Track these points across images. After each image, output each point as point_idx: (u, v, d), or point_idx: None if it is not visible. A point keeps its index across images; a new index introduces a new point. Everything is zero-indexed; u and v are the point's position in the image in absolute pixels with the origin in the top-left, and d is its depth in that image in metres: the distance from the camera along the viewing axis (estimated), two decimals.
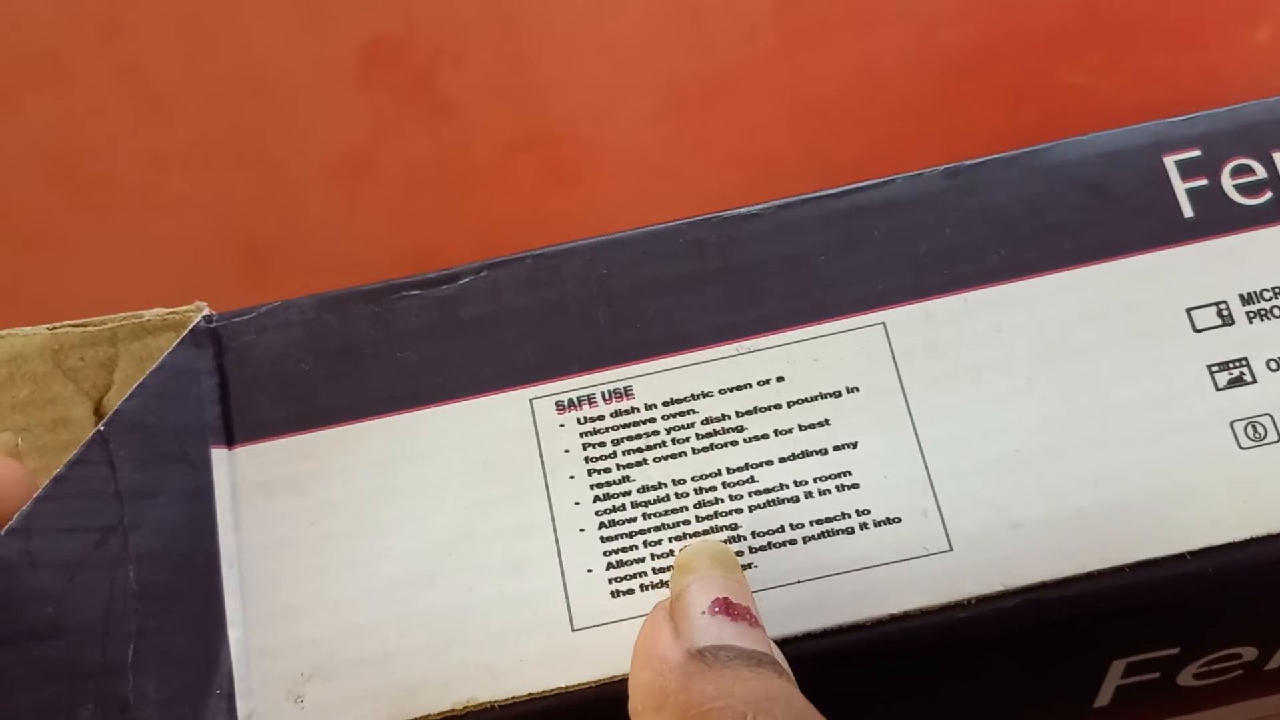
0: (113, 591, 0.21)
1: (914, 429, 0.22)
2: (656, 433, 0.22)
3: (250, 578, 0.22)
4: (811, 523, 0.21)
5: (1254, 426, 0.21)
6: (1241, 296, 0.22)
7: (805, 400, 0.22)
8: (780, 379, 0.22)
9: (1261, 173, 0.23)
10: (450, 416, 0.23)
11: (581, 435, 0.22)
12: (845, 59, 0.37)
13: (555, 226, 0.35)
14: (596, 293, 0.23)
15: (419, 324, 0.23)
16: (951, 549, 0.21)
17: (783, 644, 0.21)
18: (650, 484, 0.22)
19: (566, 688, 0.21)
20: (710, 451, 0.22)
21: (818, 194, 0.23)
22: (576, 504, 0.22)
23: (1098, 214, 0.23)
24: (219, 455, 0.22)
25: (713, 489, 0.22)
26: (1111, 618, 0.21)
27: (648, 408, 0.22)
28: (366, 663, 0.21)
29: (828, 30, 0.37)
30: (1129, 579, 0.21)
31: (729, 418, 0.22)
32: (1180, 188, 0.23)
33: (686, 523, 0.22)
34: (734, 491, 0.22)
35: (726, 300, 0.23)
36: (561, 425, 0.22)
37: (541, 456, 0.22)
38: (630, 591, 0.21)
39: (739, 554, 0.21)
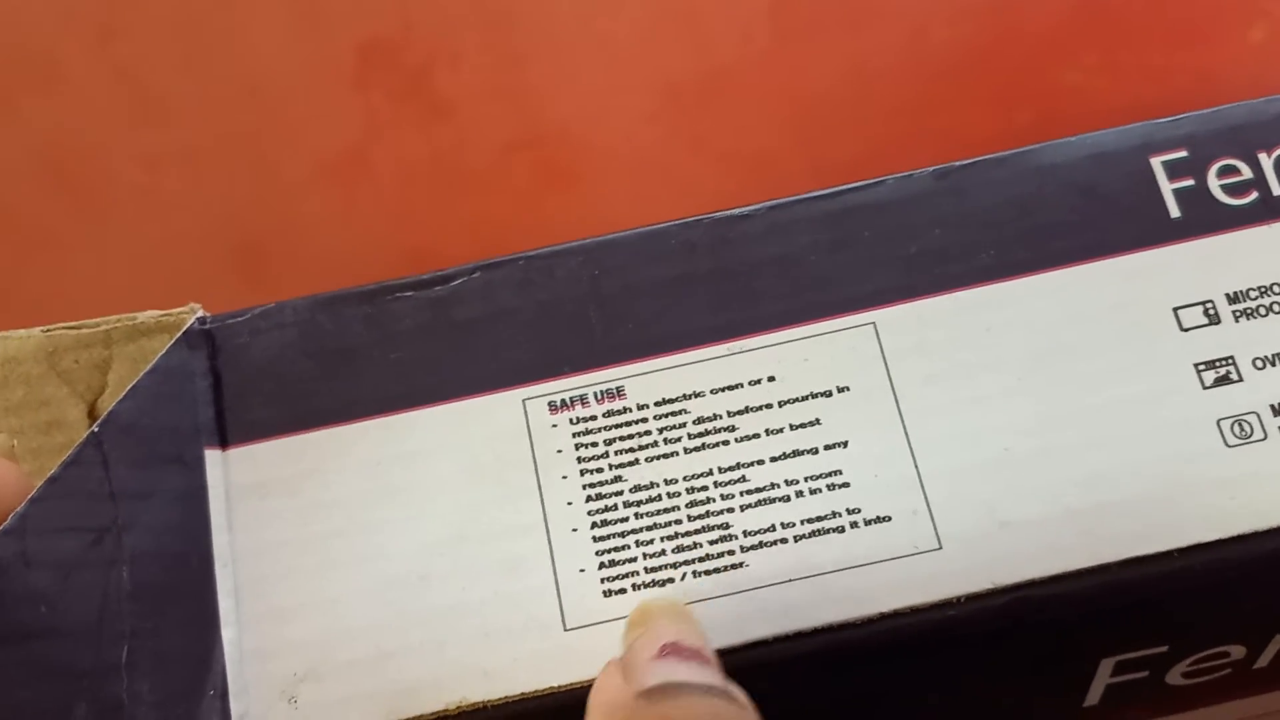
0: (107, 592, 0.21)
1: (904, 428, 0.22)
2: (648, 433, 0.22)
3: (244, 578, 0.22)
4: (802, 522, 0.22)
5: (1240, 425, 0.21)
6: (1228, 295, 0.22)
7: (796, 400, 0.22)
8: (771, 379, 0.22)
9: (1247, 173, 0.23)
10: (443, 417, 0.23)
11: (574, 435, 0.22)
12: (840, 59, 0.37)
13: (551, 226, 0.36)
14: (589, 293, 0.23)
15: (412, 325, 0.23)
16: (941, 548, 0.21)
17: (773, 643, 0.21)
18: (642, 484, 0.22)
19: (559, 687, 0.21)
20: (702, 451, 0.22)
21: (808, 195, 0.23)
22: (569, 504, 0.22)
23: (1086, 214, 0.23)
24: (213, 456, 0.22)
25: (704, 488, 0.22)
26: (1100, 616, 0.21)
27: (640, 408, 0.22)
28: (360, 663, 0.21)
29: (822, 30, 0.37)
30: (1117, 577, 0.21)
31: (720, 417, 0.22)
32: (1167, 188, 0.23)
33: (678, 522, 0.22)
34: (725, 491, 0.22)
35: (718, 301, 0.23)
36: (554, 426, 0.22)
37: (534, 457, 0.22)
38: (623, 591, 0.21)
39: (730, 553, 0.22)
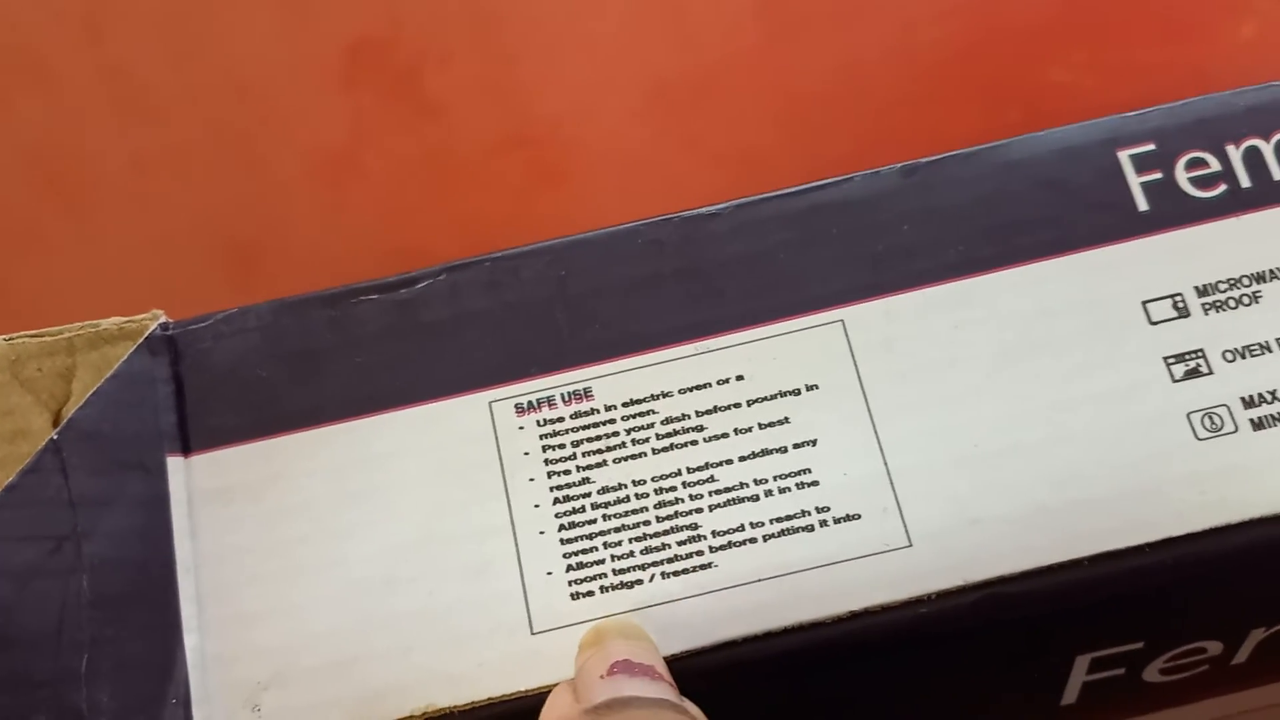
0: (66, 600, 0.20)
1: (873, 426, 0.22)
2: (616, 434, 0.22)
3: (207, 585, 0.22)
4: (772, 521, 0.21)
5: (1211, 418, 0.21)
6: (1197, 289, 0.22)
7: (765, 399, 0.22)
8: (740, 378, 0.22)
9: (1216, 165, 0.23)
10: (409, 420, 0.22)
11: (541, 437, 0.22)
12: (829, 55, 0.37)
13: (541, 225, 0.35)
14: (555, 294, 0.23)
15: (377, 328, 0.23)
16: (911, 545, 0.21)
17: (743, 643, 0.21)
18: (610, 485, 0.22)
19: (526, 691, 0.21)
20: (670, 451, 0.22)
21: (776, 193, 0.23)
22: (536, 506, 0.22)
23: (1054, 209, 0.23)
24: (175, 463, 0.22)
25: (673, 489, 0.22)
26: (1072, 612, 0.21)
27: (607, 409, 0.22)
28: (325, 669, 0.21)
29: (810, 27, 0.37)
30: (1089, 572, 0.21)
31: (689, 417, 0.22)
32: (1135, 181, 0.23)
33: (647, 523, 0.22)
34: (694, 491, 0.22)
35: (686, 300, 0.23)
36: (521, 428, 0.22)
37: (501, 459, 0.22)
38: (590, 594, 0.21)
39: (699, 553, 0.21)
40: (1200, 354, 0.22)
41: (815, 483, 0.22)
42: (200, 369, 0.23)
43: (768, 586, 0.21)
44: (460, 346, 0.23)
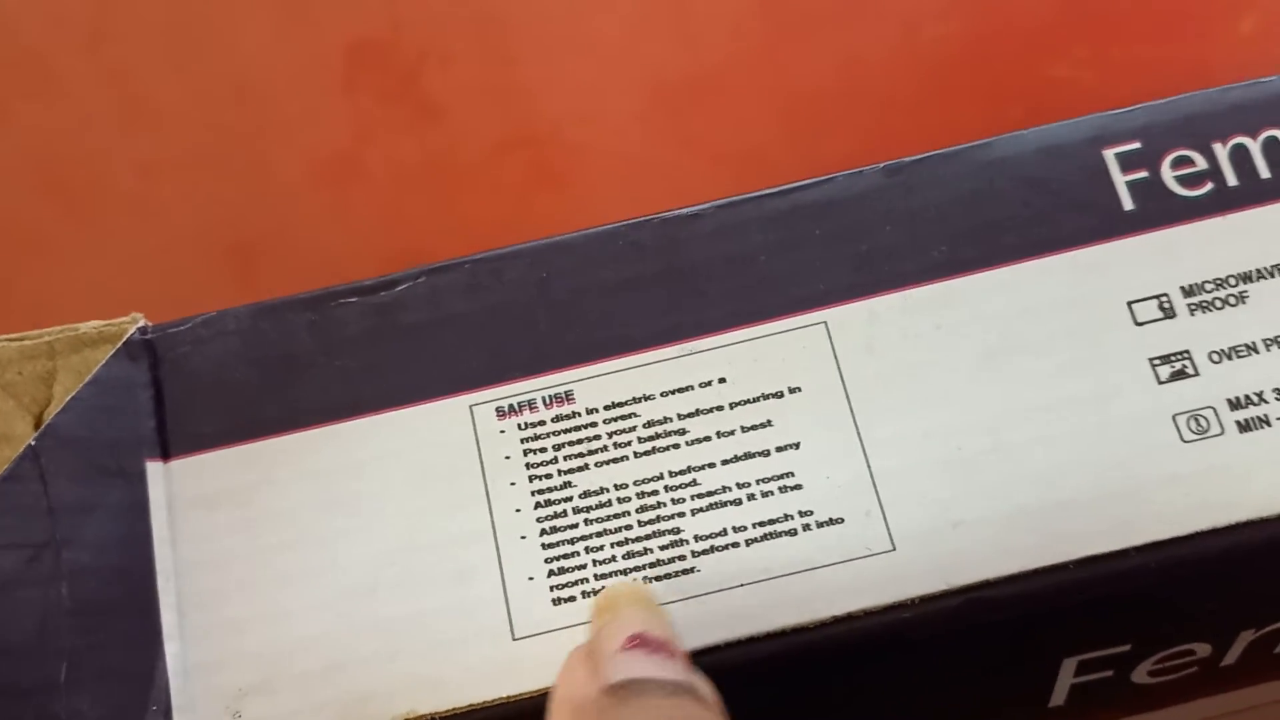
0: (46, 608, 0.20)
1: (856, 429, 0.22)
2: (598, 437, 0.22)
3: (188, 591, 0.22)
4: (754, 525, 0.21)
5: (1196, 420, 0.21)
6: (1183, 289, 0.22)
7: (747, 401, 0.22)
8: (722, 380, 0.22)
9: (1202, 164, 0.22)
10: (390, 425, 0.22)
11: (522, 441, 0.22)
12: (831, 54, 0.37)
13: (543, 226, 0.35)
14: (536, 296, 0.23)
15: (357, 331, 0.23)
16: (895, 549, 0.21)
17: (726, 648, 0.21)
18: (592, 489, 0.22)
19: (508, 698, 0.21)
20: (652, 455, 0.22)
21: (758, 194, 0.23)
22: (517, 511, 0.22)
23: (1039, 209, 0.22)
24: (154, 469, 0.22)
25: (655, 493, 0.22)
26: (1057, 615, 0.21)
27: (589, 412, 0.22)
28: (307, 676, 0.21)
29: (812, 26, 0.37)
30: (1073, 576, 0.20)
31: (671, 420, 0.22)
32: (1120, 180, 0.22)
33: (629, 528, 0.21)
34: (676, 495, 0.22)
35: (668, 302, 0.23)
36: (502, 432, 0.22)
37: (482, 464, 0.22)
38: (572, 599, 0.21)
39: (681, 557, 0.21)
40: (1186, 355, 0.21)
41: (798, 486, 0.21)
42: (179, 373, 0.23)
43: (750, 591, 0.21)
44: (441, 349, 0.23)
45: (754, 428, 0.22)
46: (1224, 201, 0.22)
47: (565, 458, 0.22)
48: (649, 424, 0.22)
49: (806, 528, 0.21)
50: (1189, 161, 0.22)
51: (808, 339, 0.22)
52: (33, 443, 0.21)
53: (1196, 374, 0.21)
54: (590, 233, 0.23)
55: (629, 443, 0.22)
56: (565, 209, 0.36)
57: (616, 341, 0.22)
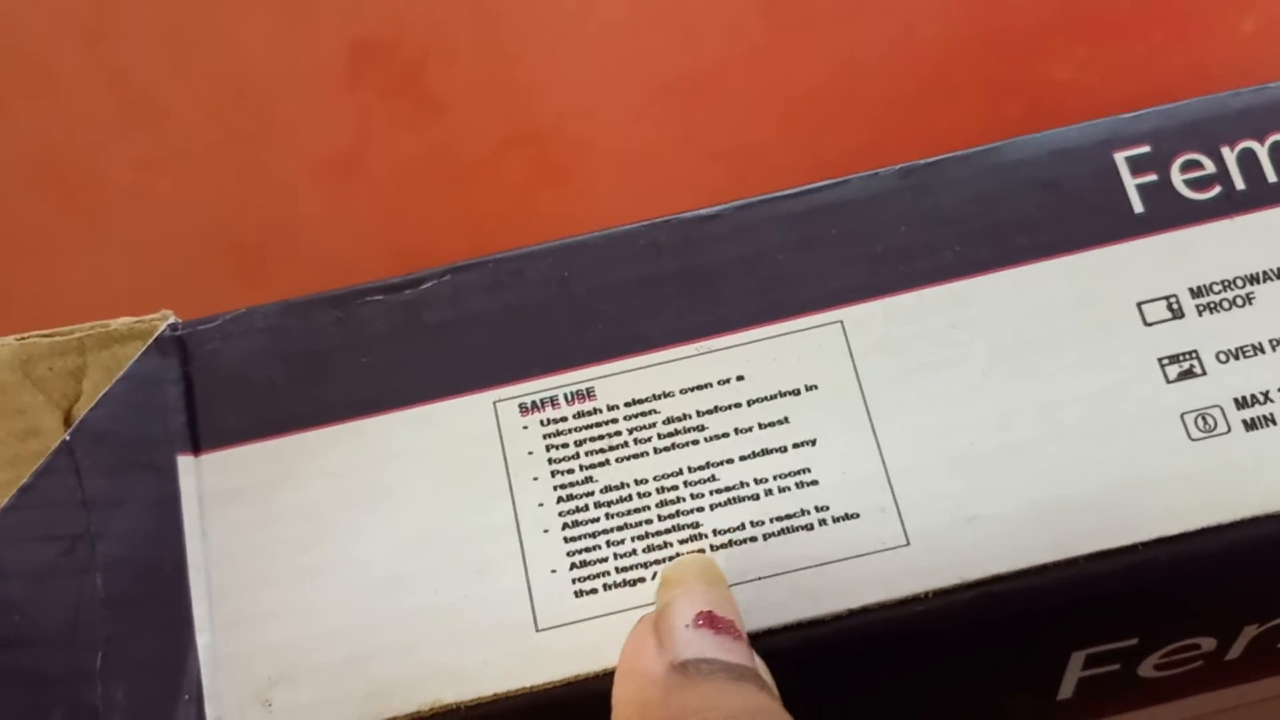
0: (80, 599, 0.21)
1: (871, 426, 0.22)
2: (619, 433, 0.22)
3: (217, 583, 0.22)
4: (771, 520, 0.22)
5: (1204, 418, 0.22)
6: (1191, 290, 0.22)
7: (765, 399, 0.22)
8: (740, 378, 0.23)
9: (1210, 167, 0.23)
10: (415, 420, 0.23)
11: (545, 437, 0.23)
12: (831, 53, 0.37)
13: (545, 224, 0.36)
14: (558, 295, 0.23)
15: (383, 329, 0.23)
16: (909, 544, 0.21)
17: None
18: (613, 484, 0.22)
19: (531, 688, 0.21)
20: (672, 451, 0.22)
21: (775, 195, 0.24)
22: (540, 505, 0.22)
23: (1051, 210, 0.23)
24: (185, 463, 0.22)
25: (674, 488, 0.22)
26: (1067, 610, 0.21)
27: (610, 408, 0.23)
28: (333, 666, 0.21)
29: (813, 25, 0.37)
30: (1083, 570, 0.21)
31: (690, 417, 0.22)
32: (1130, 183, 0.23)
33: (649, 522, 0.22)
34: (695, 490, 0.22)
35: (686, 301, 0.23)
36: (525, 427, 0.23)
37: (505, 459, 0.22)
38: (594, 591, 0.22)
39: (700, 551, 0.22)
40: (1194, 355, 0.22)
41: (814, 482, 0.22)
42: (209, 369, 0.23)
43: (767, 584, 0.21)
44: (465, 347, 0.23)
45: (771, 425, 0.22)
46: (1232, 204, 0.23)
47: (587, 453, 0.22)
48: (669, 420, 0.22)
49: (822, 523, 0.22)
50: (1198, 165, 0.23)
51: (824, 338, 0.23)
52: (67, 438, 0.21)
53: (1204, 373, 0.22)
54: (610, 233, 0.24)
55: (649, 439, 0.22)
56: (568, 206, 0.36)
57: (636, 340, 0.23)
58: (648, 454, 0.22)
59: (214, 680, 0.21)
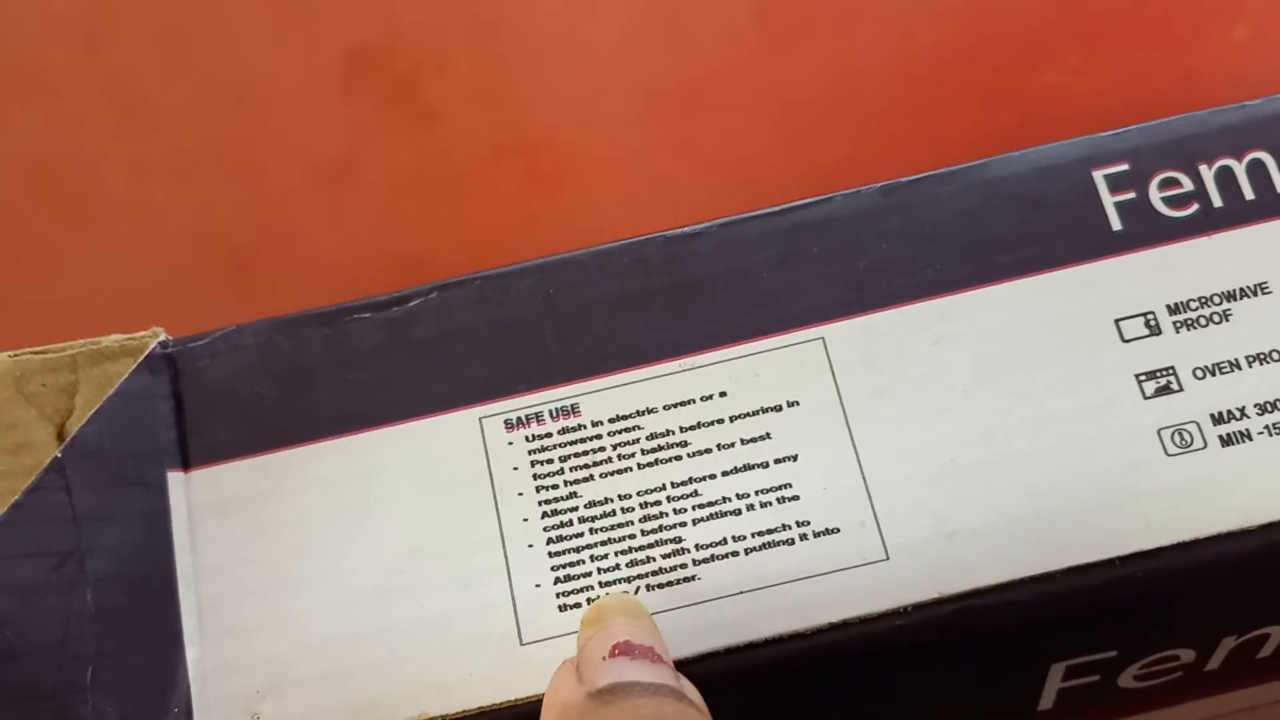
0: (70, 614, 0.21)
1: (852, 441, 0.22)
2: (603, 449, 0.23)
3: (207, 597, 0.22)
4: (753, 534, 0.22)
5: (1180, 434, 0.22)
6: (1169, 307, 0.22)
7: (747, 415, 0.23)
8: (723, 394, 0.23)
9: (1189, 185, 0.23)
10: (401, 436, 0.23)
11: (530, 453, 0.23)
12: (825, 62, 0.37)
13: (538, 233, 0.36)
14: (544, 312, 0.24)
15: (370, 345, 0.24)
16: (889, 558, 0.22)
17: (725, 654, 0.21)
18: (597, 499, 0.22)
19: (515, 701, 0.21)
20: (655, 467, 0.23)
21: (758, 212, 0.24)
22: (525, 520, 0.22)
23: (1031, 228, 0.23)
24: (175, 478, 0.23)
25: (657, 503, 0.22)
26: (1046, 623, 0.21)
27: (594, 425, 0.23)
28: (320, 679, 0.22)
29: (807, 33, 0.37)
30: (1062, 585, 0.21)
31: (673, 433, 0.23)
32: (1109, 201, 0.23)
33: (632, 537, 0.22)
34: (678, 505, 0.22)
35: (670, 317, 0.23)
36: (510, 443, 0.23)
37: (491, 474, 0.23)
38: (577, 605, 0.22)
39: (682, 566, 0.22)
40: (1171, 371, 0.22)
41: (795, 497, 0.22)
42: (199, 386, 0.23)
43: (749, 599, 0.22)
44: (451, 363, 0.23)
45: (753, 440, 0.23)
46: (1210, 222, 0.23)
47: (571, 469, 0.23)
48: (652, 436, 0.23)
49: (804, 537, 0.22)
50: (1176, 183, 0.23)
51: (806, 354, 0.23)
52: (59, 454, 0.22)
53: (1181, 389, 0.22)
54: (596, 250, 0.24)
55: (633, 454, 0.23)
56: (561, 215, 0.36)
57: (621, 356, 0.23)
58: (631, 470, 0.23)
59: (203, 693, 0.22)
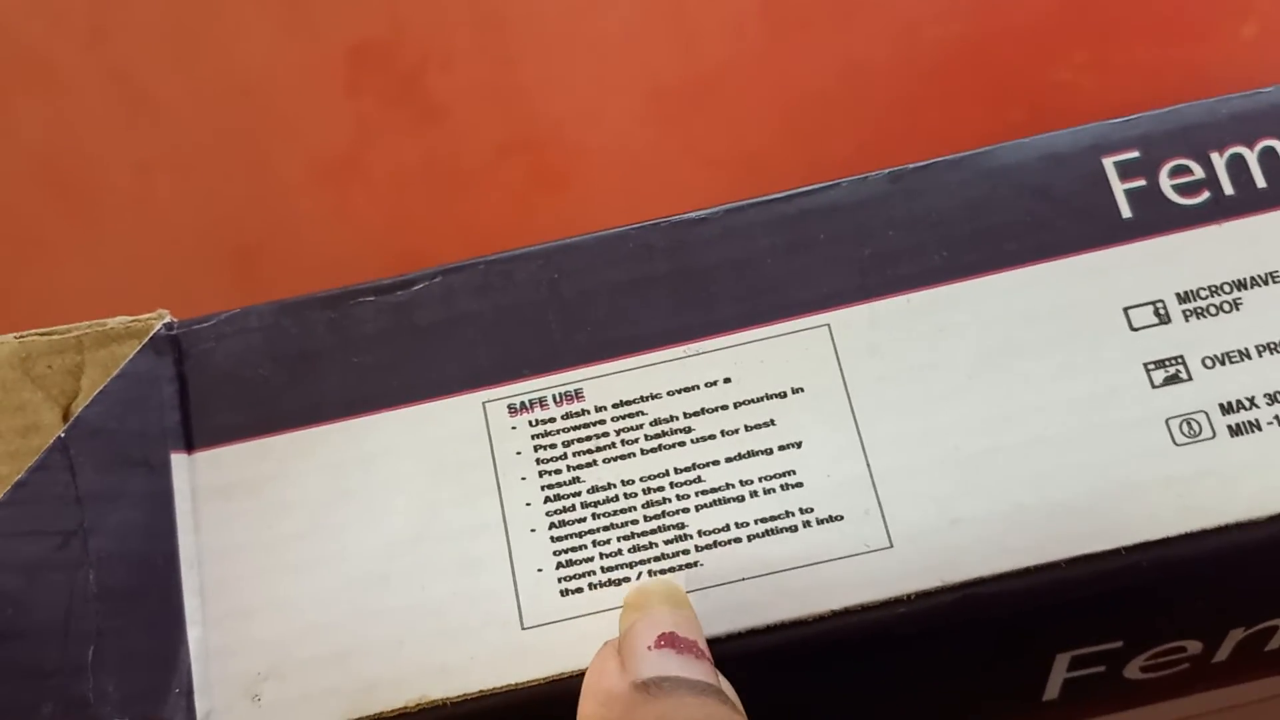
0: (73, 593, 0.21)
1: (857, 428, 0.22)
2: (606, 434, 0.23)
3: (209, 579, 0.22)
4: (756, 521, 0.22)
5: (1189, 423, 0.22)
6: (1178, 295, 0.22)
7: (751, 401, 0.23)
8: (727, 380, 0.23)
9: (1199, 173, 0.23)
10: (405, 420, 0.23)
11: (533, 437, 0.23)
12: (831, 57, 0.37)
13: (543, 229, 0.36)
14: (548, 297, 0.23)
15: (375, 329, 0.24)
16: (892, 546, 0.21)
17: (727, 640, 0.21)
18: (600, 485, 0.22)
19: (516, 685, 0.21)
20: (658, 452, 0.23)
21: (764, 198, 0.24)
22: (528, 505, 0.22)
23: (1039, 215, 0.23)
24: (179, 460, 0.23)
25: (661, 489, 0.22)
26: (1050, 612, 0.21)
27: (598, 409, 0.23)
28: (322, 661, 0.22)
29: (814, 28, 0.37)
30: (1066, 574, 0.21)
31: (677, 419, 0.23)
32: (1119, 188, 0.23)
33: (635, 523, 0.22)
34: (681, 491, 0.22)
35: (675, 303, 0.23)
36: (514, 428, 0.23)
37: (494, 458, 0.23)
38: (579, 590, 0.22)
39: (685, 552, 0.22)
40: (1180, 360, 0.22)
41: (799, 484, 0.22)
42: (203, 368, 0.23)
43: (751, 585, 0.22)
44: (455, 348, 0.23)
45: (757, 427, 0.22)
46: (1220, 210, 0.23)
47: (574, 454, 0.23)
48: (655, 422, 0.23)
49: (807, 524, 0.22)
50: (1187, 170, 0.23)
51: (811, 341, 0.23)
52: (62, 434, 0.22)
53: (1190, 379, 0.22)
54: (600, 235, 0.24)
55: (636, 440, 0.23)
56: (566, 210, 0.36)
57: (625, 341, 0.23)
58: (634, 455, 0.23)
59: (204, 674, 0.22)
